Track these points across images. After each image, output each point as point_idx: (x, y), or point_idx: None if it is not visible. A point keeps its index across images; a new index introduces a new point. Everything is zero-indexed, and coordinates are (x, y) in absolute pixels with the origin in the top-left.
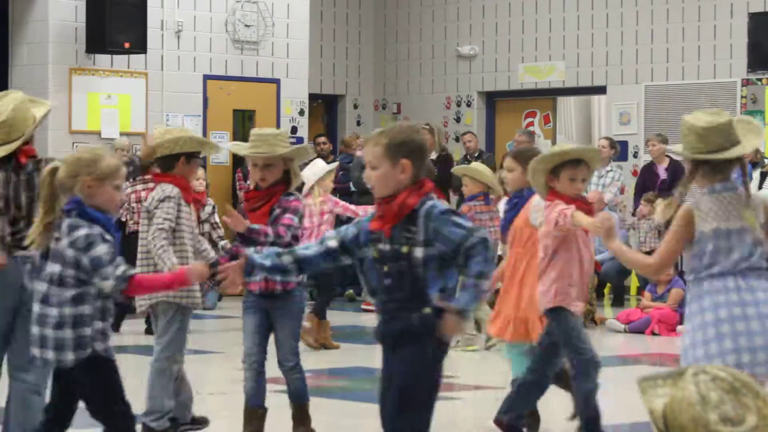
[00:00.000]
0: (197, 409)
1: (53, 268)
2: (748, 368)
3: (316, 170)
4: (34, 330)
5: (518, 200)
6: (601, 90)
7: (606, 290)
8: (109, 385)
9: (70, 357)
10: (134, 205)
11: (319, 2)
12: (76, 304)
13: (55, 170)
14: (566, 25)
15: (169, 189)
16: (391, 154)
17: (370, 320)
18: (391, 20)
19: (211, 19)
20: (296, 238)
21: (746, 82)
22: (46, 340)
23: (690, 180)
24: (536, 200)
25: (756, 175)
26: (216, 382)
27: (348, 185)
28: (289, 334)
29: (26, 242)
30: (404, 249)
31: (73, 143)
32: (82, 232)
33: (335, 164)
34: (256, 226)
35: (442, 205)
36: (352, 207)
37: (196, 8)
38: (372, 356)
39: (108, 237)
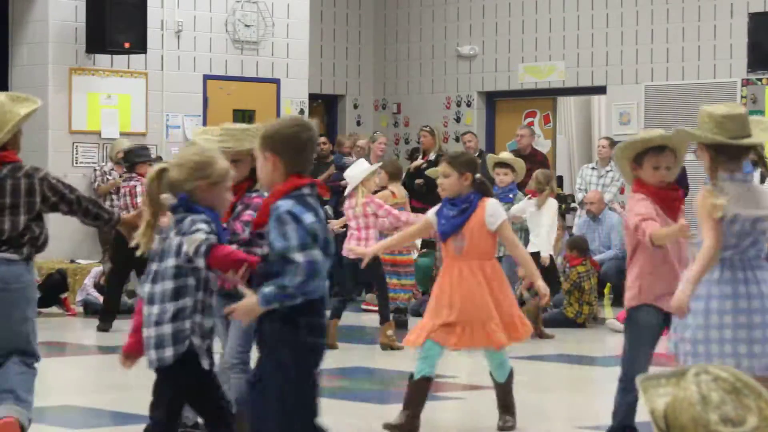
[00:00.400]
0: None
1: (157, 266)
2: (745, 359)
3: (358, 171)
4: (143, 332)
5: (467, 206)
6: (601, 90)
7: (606, 290)
8: (206, 382)
9: (169, 353)
10: (127, 199)
11: (319, 2)
12: (176, 298)
13: (162, 171)
14: (566, 25)
15: None
16: (262, 146)
17: (370, 320)
18: (391, 20)
19: (211, 19)
20: (261, 236)
21: (746, 82)
22: (149, 340)
23: (716, 168)
24: (490, 204)
25: (756, 175)
26: None
27: (338, 184)
28: (235, 333)
29: (132, 244)
30: (266, 251)
31: (73, 143)
32: (187, 219)
33: (379, 164)
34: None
35: (286, 206)
36: (395, 211)
37: (196, 8)
38: (372, 356)
39: (213, 226)
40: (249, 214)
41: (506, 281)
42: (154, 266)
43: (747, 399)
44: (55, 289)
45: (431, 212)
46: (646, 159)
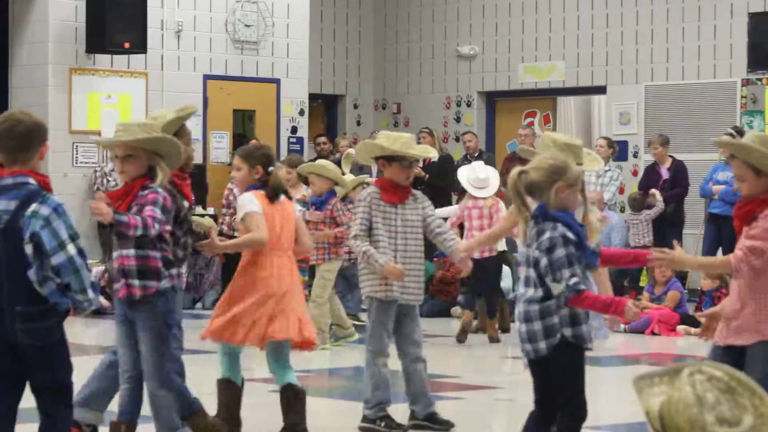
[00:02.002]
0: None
1: (527, 271)
2: None
3: (494, 179)
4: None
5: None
6: (601, 90)
7: None
8: (577, 374)
9: (542, 346)
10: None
11: (319, 2)
12: (542, 301)
13: (521, 173)
14: (566, 25)
15: (363, 193)
16: None
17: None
18: (391, 20)
19: (211, 19)
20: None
21: (746, 82)
22: (522, 334)
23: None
24: (240, 197)
25: None
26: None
27: None
28: (147, 350)
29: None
30: None
31: (73, 143)
32: (546, 235)
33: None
34: (124, 218)
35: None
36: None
37: (196, 8)
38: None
39: (570, 235)
40: (150, 210)
41: (257, 282)
42: (528, 271)
43: (742, 398)
44: None
45: None
46: None
